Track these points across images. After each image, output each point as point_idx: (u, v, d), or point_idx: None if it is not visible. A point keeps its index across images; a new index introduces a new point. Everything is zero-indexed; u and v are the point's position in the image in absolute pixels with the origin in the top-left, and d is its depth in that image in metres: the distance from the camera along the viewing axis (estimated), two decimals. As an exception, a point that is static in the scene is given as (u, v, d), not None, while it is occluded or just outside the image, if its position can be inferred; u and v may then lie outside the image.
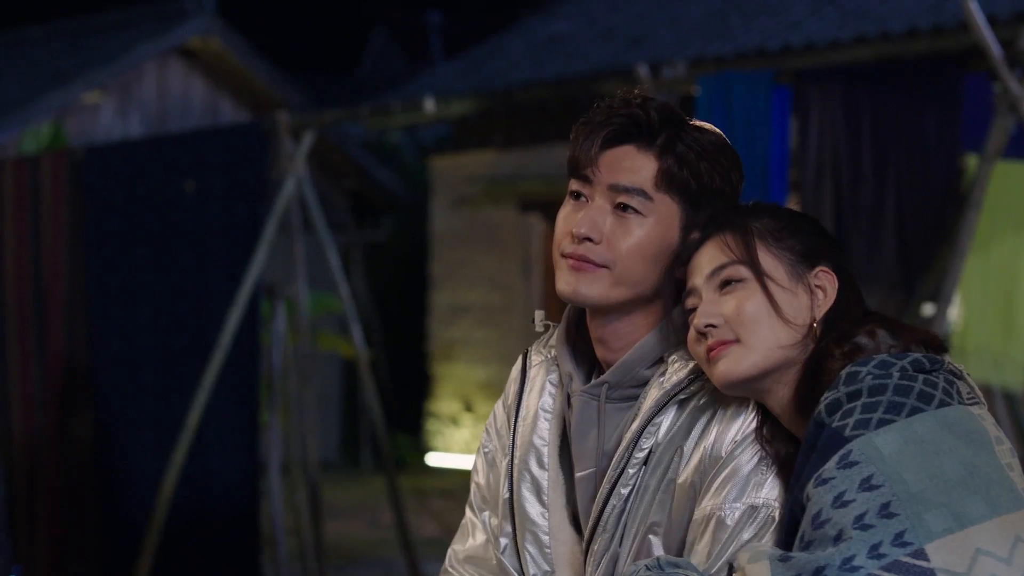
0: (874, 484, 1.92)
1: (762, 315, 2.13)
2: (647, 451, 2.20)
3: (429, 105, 7.09)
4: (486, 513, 2.44)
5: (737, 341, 2.13)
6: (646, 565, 2.10)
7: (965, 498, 1.91)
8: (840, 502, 1.92)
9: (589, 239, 2.21)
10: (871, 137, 5.41)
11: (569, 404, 2.34)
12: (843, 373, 2.03)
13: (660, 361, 2.25)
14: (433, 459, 14.50)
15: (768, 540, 2.07)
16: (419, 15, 24.05)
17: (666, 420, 2.20)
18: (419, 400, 14.83)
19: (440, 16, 23.59)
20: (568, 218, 2.25)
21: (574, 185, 2.26)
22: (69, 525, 7.41)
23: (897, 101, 5.37)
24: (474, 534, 2.45)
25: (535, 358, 2.44)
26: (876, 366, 2.03)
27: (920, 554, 1.88)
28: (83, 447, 7.41)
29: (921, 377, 2.02)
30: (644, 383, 2.25)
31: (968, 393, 2.07)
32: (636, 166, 2.21)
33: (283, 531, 7.96)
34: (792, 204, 5.66)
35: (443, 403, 14.46)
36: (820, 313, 2.14)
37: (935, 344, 2.11)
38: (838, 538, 1.90)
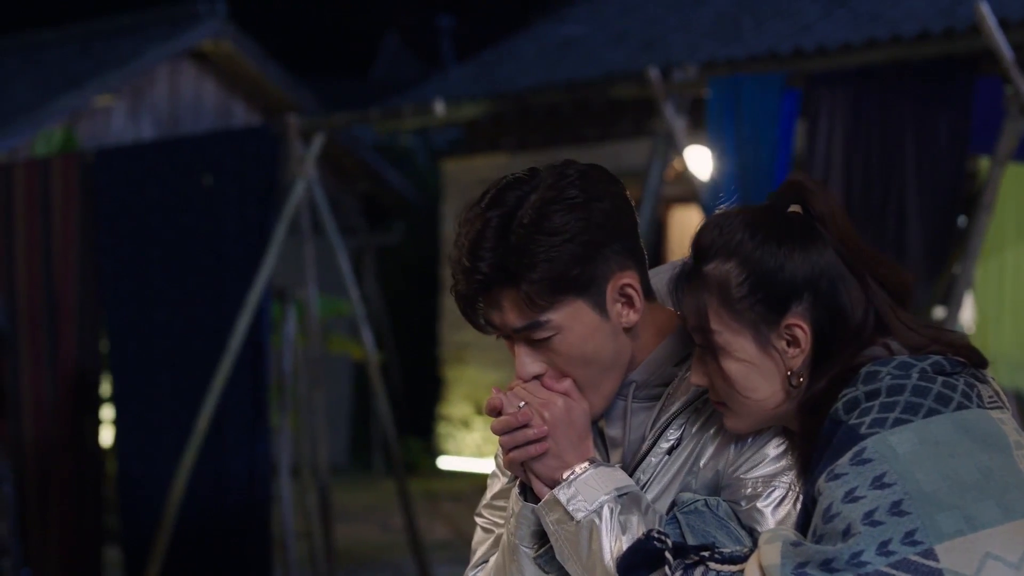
0: (886, 482, 1.91)
1: (732, 389, 2.11)
2: (672, 442, 2.21)
3: (439, 108, 7.09)
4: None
5: (725, 405, 2.14)
6: (706, 500, 2.13)
7: (978, 501, 1.90)
8: (851, 497, 1.92)
9: (540, 375, 2.21)
10: (880, 140, 5.39)
11: None
12: (862, 371, 2.02)
13: (687, 357, 2.25)
14: (444, 462, 14.49)
15: (792, 523, 2.07)
16: (432, 19, 24.07)
17: (692, 413, 2.21)
18: (431, 403, 14.83)
19: (452, 20, 23.61)
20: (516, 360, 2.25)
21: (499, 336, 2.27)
22: (81, 528, 7.41)
23: (907, 104, 5.35)
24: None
25: None
26: (896, 367, 2.02)
27: (930, 554, 1.87)
28: (94, 451, 7.41)
29: (940, 379, 2.01)
30: (670, 381, 2.25)
31: (990, 397, 2.05)
32: (513, 304, 2.17)
33: (293, 535, 7.96)
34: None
35: (454, 406, 14.45)
36: (795, 364, 2.09)
37: (964, 350, 2.08)
38: (846, 532, 1.89)
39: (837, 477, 1.94)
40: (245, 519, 7.08)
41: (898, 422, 1.96)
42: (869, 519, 1.89)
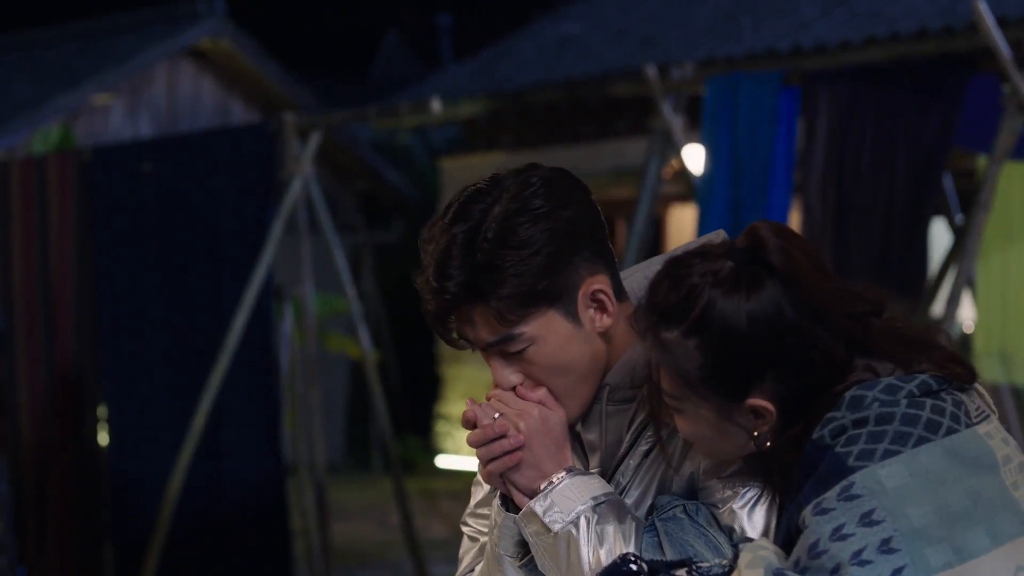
0: (875, 519, 1.90)
1: (698, 443, 2.10)
2: (650, 444, 2.19)
3: (436, 106, 7.08)
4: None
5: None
6: (684, 506, 2.11)
7: (967, 530, 1.90)
8: (839, 535, 1.90)
9: (517, 385, 2.19)
10: (874, 138, 5.39)
11: None
12: (847, 396, 1.98)
13: None
14: (443, 461, 14.49)
15: (772, 529, 2.05)
16: (431, 17, 24.05)
17: None
18: (429, 402, 14.83)
19: (451, 18, 23.59)
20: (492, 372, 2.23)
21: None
22: (79, 527, 7.40)
23: (903, 102, 5.35)
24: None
25: None
26: (883, 391, 1.98)
27: None
28: (92, 449, 7.39)
29: (928, 403, 1.98)
30: (644, 383, 2.22)
31: (977, 410, 2.03)
32: (484, 320, 2.15)
33: (290, 533, 7.94)
34: (796, 206, 5.65)
35: (453, 405, 14.44)
36: (761, 430, 2.04)
37: (950, 364, 2.03)
38: (835, 572, 1.88)
39: (825, 512, 1.92)
40: (257, 518, 7.07)
41: (887, 454, 1.93)
42: (857, 559, 1.87)
